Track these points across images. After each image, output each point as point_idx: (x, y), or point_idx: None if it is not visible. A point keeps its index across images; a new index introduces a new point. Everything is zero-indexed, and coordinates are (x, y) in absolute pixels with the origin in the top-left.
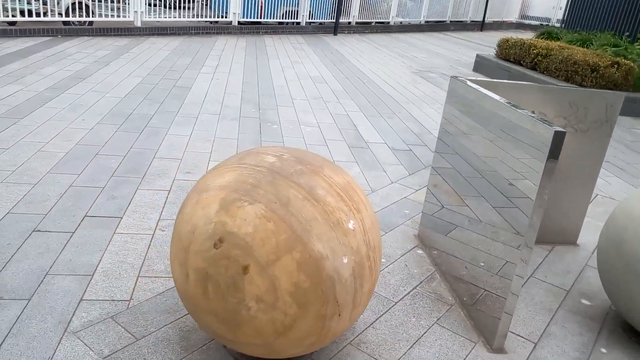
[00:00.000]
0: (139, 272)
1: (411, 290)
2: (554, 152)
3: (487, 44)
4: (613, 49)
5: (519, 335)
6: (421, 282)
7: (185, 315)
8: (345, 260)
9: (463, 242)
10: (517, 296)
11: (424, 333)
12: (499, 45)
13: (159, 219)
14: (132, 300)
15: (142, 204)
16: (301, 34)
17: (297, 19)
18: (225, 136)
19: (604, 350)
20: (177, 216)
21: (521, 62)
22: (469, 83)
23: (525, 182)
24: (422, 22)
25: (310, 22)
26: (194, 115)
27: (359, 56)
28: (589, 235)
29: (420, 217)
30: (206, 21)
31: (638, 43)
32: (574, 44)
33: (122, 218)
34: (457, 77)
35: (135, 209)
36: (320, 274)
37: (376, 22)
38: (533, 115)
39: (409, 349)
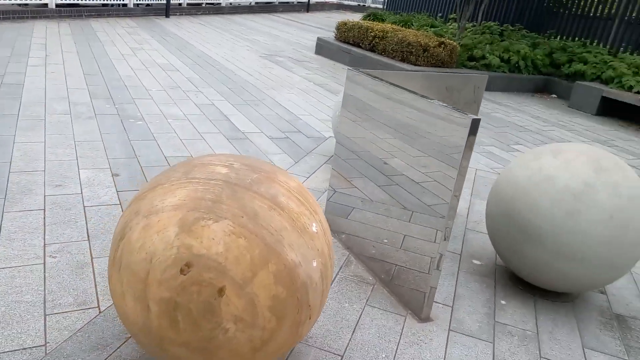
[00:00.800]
0: (44, 310)
1: (335, 277)
2: (472, 136)
3: (316, 24)
4: (432, 29)
5: (436, 302)
6: (341, 267)
7: (120, 346)
8: (315, 264)
9: (364, 222)
10: (440, 271)
11: (360, 316)
12: (337, 28)
13: (44, 245)
14: (48, 344)
15: (15, 229)
16: (130, 16)
17: (123, 0)
18: (87, 139)
19: (503, 302)
20: (117, 246)
21: (360, 44)
22: (372, 76)
23: (440, 166)
24: (253, 4)
25: (138, 4)
26: (40, 117)
27: (201, 40)
28: (463, 203)
29: (326, 204)
30: (14, 4)
31: (450, 23)
32: (398, 25)
33: None
34: (354, 69)
35: (9, 236)
36: (295, 283)
37: (207, 4)
38: (446, 105)
39: (352, 334)
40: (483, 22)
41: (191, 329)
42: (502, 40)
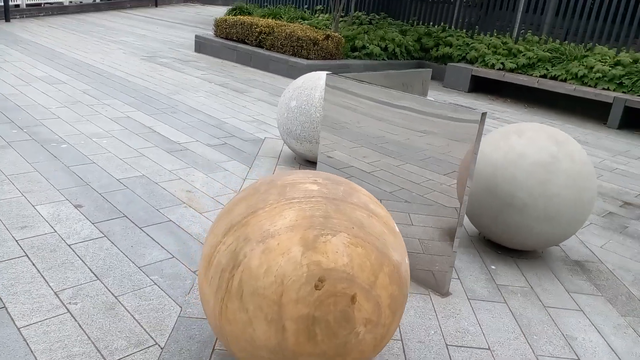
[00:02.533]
0: (105, 357)
1: None
2: (482, 126)
3: (175, 20)
4: (305, 22)
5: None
6: None
7: None
8: (407, 261)
9: None
10: (456, 252)
11: None
12: (217, 25)
13: (54, 293)
14: None
15: (11, 282)
16: None
17: None
18: (18, 171)
19: (493, 267)
20: (230, 276)
21: (245, 40)
22: (358, 80)
23: (447, 159)
24: (98, 0)
25: None
26: None
27: (66, 46)
28: None
29: None
30: None
31: (317, 15)
32: (267, 18)
33: (5, 308)
34: (333, 74)
35: (9, 290)
36: (402, 280)
37: (47, 4)
38: (456, 104)
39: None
40: (350, 12)
41: (328, 339)
42: (376, 30)
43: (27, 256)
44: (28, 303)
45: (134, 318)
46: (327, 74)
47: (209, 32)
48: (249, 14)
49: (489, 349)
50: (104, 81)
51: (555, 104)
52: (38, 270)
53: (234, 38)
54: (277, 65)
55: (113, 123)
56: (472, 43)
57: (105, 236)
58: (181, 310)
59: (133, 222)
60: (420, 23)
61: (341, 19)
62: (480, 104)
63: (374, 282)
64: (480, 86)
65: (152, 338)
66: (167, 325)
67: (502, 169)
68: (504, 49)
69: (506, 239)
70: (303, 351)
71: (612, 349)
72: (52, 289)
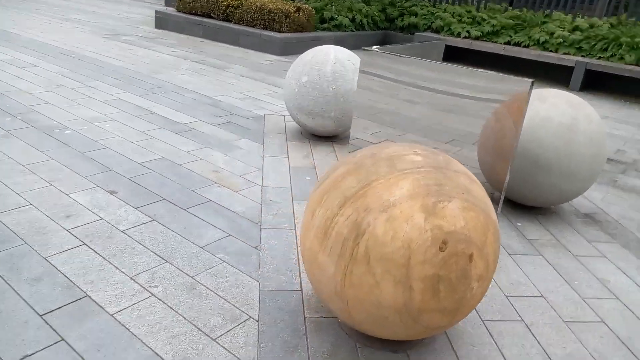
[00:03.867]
0: (212, 337)
1: None
2: (530, 94)
3: None
4: None
5: None
6: None
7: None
8: (495, 218)
9: None
10: (499, 214)
11: None
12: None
13: (129, 278)
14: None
15: (78, 272)
16: None
17: None
18: (34, 160)
19: (519, 224)
20: (355, 244)
21: (212, 14)
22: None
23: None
24: None
25: None
26: None
27: (17, 25)
28: None
29: None
30: None
31: None
32: None
33: (89, 296)
34: (370, 49)
35: (84, 279)
36: (497, 236)
37: None
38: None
39: None
40: None
41: (450, 295)
42: (342, 1)
43: (86, 244)
44: (109, 290)
45: (218, 295)
46: (363, 49)
47: (169, 8)
48: None
49: (542, 296)
50: (77, 63)
51: (521, 69)
52: (104, 258)
53: (199, 12)
54: (248, 39)
55: (107, 106)
56: (436, 12)
57: (154, 220)
58: (259, 284)
59: (175, 205)
60: None
61: None
62: None
63: (484, 241)
64: (450, 55)
65: (245, 312)
66: (253, 299)
67: (530, 132)
68: (468, 17)
69: (531, 198)
70: (427, 307)
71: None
72: (126, 275)
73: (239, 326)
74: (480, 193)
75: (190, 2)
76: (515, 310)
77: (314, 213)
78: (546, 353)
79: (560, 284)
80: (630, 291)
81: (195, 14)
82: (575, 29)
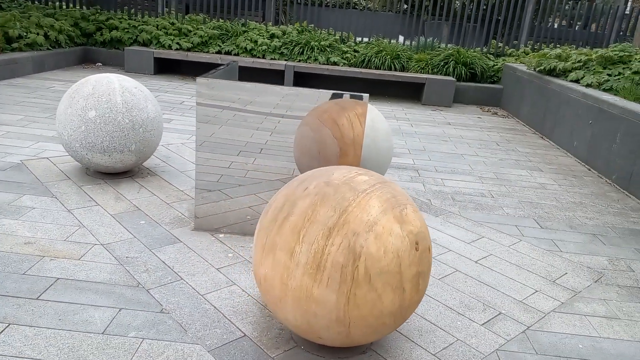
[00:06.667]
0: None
1: None
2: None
3: None
4: None
5: None
6: None
7: None
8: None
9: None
10: None
11: None
12: None
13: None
14: None
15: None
16: None
17: None
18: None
19: None
20: (357, 266)
21: None
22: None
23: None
24: None
25: None
26: None
27: None
28: None
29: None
30: None
31: None
32: None
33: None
34: (206, 76)
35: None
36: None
37: None
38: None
39: None
40: None
41: (423, 286)
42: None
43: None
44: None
45: None
46: (198, 79)
47: None
48: None
49: None
50: None
51: (244, 77)
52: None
53: None
54: None
55: None
56: (139, 25)
57: (11, 324)
58: (201, 347)
59: (21, 297)
60: (65, 6)
61: None
62: (178, 84)
63: (428, 233)
64: (165, 67)
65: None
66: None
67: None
68: (174, 29)
69: None
70: (412, 302)
71: None
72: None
73: None
74: (408, 197)
75: None
76: None
77: (293, 252)
78: None
79: None
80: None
81: None
82: (272, 36)
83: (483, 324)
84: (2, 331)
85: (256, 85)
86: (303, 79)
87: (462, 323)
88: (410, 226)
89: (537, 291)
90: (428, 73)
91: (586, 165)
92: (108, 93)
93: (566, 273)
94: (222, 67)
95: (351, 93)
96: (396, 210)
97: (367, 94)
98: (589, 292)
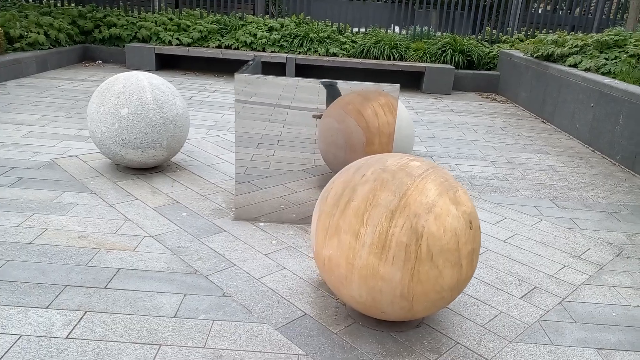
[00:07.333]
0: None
1: None
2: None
3: None
4: None
5: None
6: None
7: None
8: None
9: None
10: None
11: None
12: None
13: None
14: None
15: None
16: None
17: None
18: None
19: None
20: (420, 245)
21: None
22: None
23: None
24: None
25: None
26: None
27: None
28: None
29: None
30: None
31: None
32: None
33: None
34: (243, 72)
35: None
36: None
37: None
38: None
39: None
40: None
41: (476, 262)
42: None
43: None
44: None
45: (257, 352)
46: (236, 75)
47: None
48: None
49: None
50: None
51: (236, 70)
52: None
53: None
54: None
55: None
56: (137, 22)
57: (88, 312)
58: (267, 325)
59: (88, 287)
60: (60, 4)
61: None
62: (182, 80)
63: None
64: (166, 63)
65: (294, 354)
66: (280, 341)
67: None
68: (173, 25)
69: None
70: (467, 277)
71: None
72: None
73: None
74: (453, 177)
75: None
76: None
77: (358, 234)
78: None
79: None
80: None
81: None
82: (271, 29)
83: (521, 297)
84: (81, 318)
85: (296, 80)
86: (304, 71)
87: (502, 297)
88: (464, 207)
89: (565, 266)
90: (426, 62)
91: (590, 147)
92: (138, 91)
93: (589, 249)
94: (250, 62)
95: (381, 84)
96: (450, 193)
97: (398, 85)
98: (613, 265)
